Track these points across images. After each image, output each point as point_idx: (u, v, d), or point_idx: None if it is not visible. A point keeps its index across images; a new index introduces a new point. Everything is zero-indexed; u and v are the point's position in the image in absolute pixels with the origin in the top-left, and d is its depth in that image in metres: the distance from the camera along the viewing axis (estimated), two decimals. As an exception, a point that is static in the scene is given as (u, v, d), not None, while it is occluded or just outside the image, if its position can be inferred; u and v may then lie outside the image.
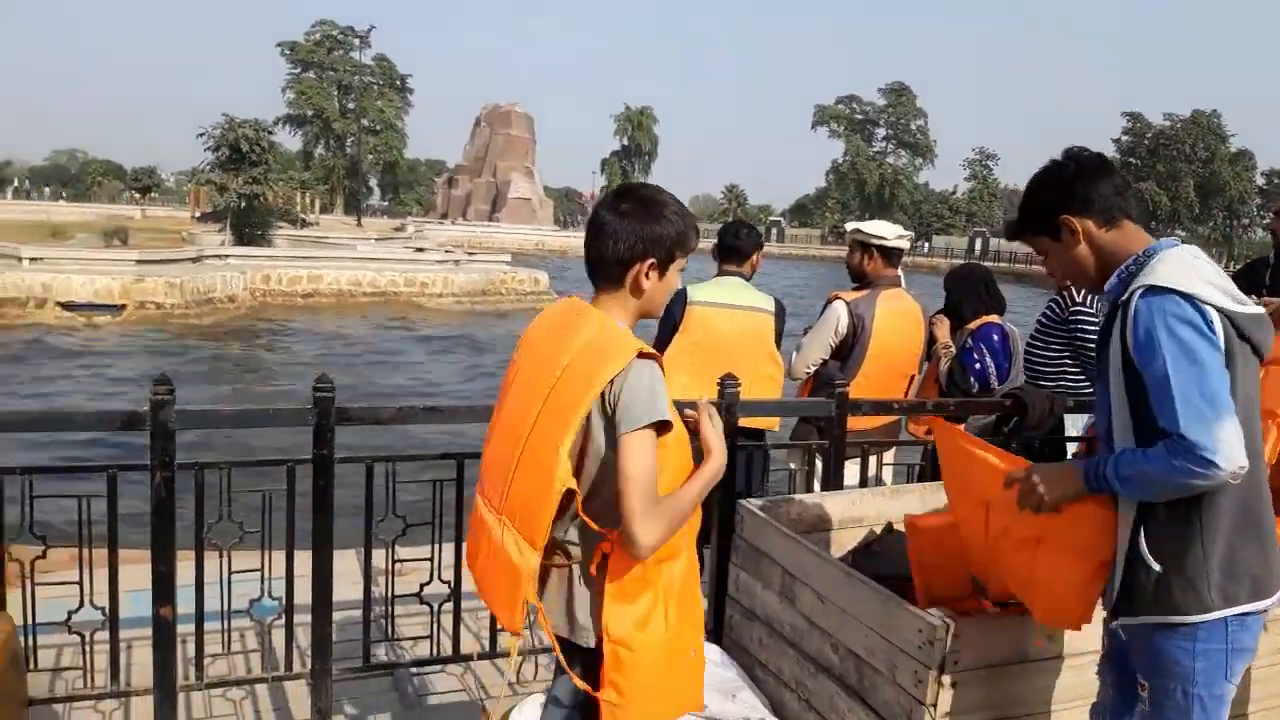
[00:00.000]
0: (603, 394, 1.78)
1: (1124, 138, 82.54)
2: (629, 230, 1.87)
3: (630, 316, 1.94)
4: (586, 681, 1.90)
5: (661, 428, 1.80)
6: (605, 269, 1.91)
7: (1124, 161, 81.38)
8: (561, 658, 1.94)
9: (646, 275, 1.89)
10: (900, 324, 4.30)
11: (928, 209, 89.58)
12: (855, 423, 3.67)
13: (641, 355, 1.81)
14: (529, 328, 2.00)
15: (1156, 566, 1.89)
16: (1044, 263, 2.15)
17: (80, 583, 2.87)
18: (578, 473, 1.82)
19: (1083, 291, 4.88)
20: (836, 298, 4.31)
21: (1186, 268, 1.89)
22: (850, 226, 4.50)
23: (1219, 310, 1.85)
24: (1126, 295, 1.90)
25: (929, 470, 3.97)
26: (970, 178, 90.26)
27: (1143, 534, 1.91)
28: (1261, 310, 1.94)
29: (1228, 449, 1.76)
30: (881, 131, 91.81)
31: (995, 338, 4.24)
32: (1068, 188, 2.02)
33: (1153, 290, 1.86)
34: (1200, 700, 1.93)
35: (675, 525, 1.82)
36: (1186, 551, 1.88)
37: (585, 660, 1.93)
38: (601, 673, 1.87)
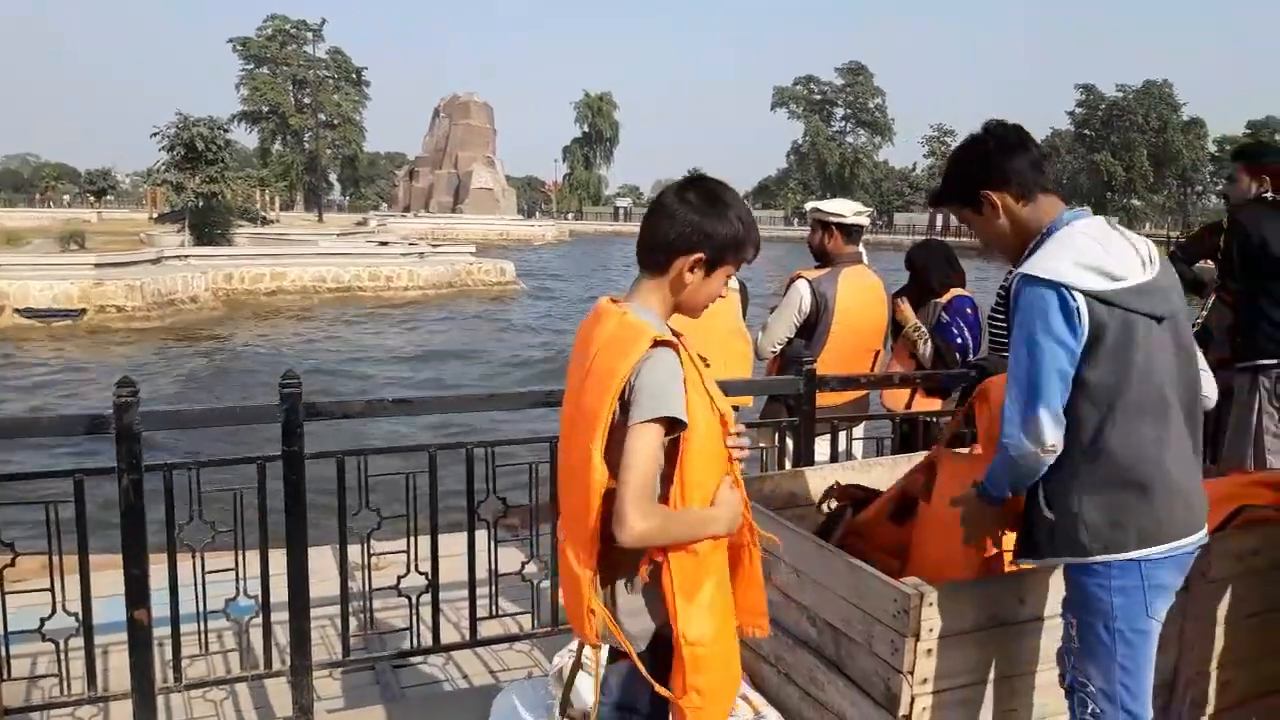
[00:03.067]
0: (622, 388, 1.72)
1: (1078, 109, 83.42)
2: (686, 219, 1.80)
3: (665, 309, 1.87)
4: (649, 683, 1.83)
5: (672, 425, 1.73)
6: (654, 253, 1.84)
7: (1078, 133, 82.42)
8: (640, 665, 1.83)
9: (691, 270, 1.82)
10: (863, 299, 4.35)
11: (888, 187, 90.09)
12: (824, 399, 3.71)
13: (658, 343, 1.74)
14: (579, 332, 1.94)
15: (1049, 514, 2.07)
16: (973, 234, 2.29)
17: (52, 589, 2.84)
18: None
19: None
20: (799, 276, 4.34)
21: (1065, 249, 2.01)
22: (810, 206, 4.53)
23: (1087, 294, 1.96)
24: (1010, 279, 2.07)
25: (898, 442, 4.04)
26: (929, 154, 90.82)
27: (1041, 487, 2.08)
28: (1148, 278, 2.02)
29: (1031, 433, 1.98)
30: (840, 111, 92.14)
31: (969, 310, 4.35)
32: (986, 162, 2.13)
33: (1023, 279, 2.02)
34: (1122, 635, 2.06)
35: (670, 536, 1.75)
36: (1069, 502, 2.05)
37: (629, 664, 1.86)
38: (679, 677, 1.80)
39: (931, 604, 2.20)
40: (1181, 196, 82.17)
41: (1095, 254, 2.00)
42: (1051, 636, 2.38)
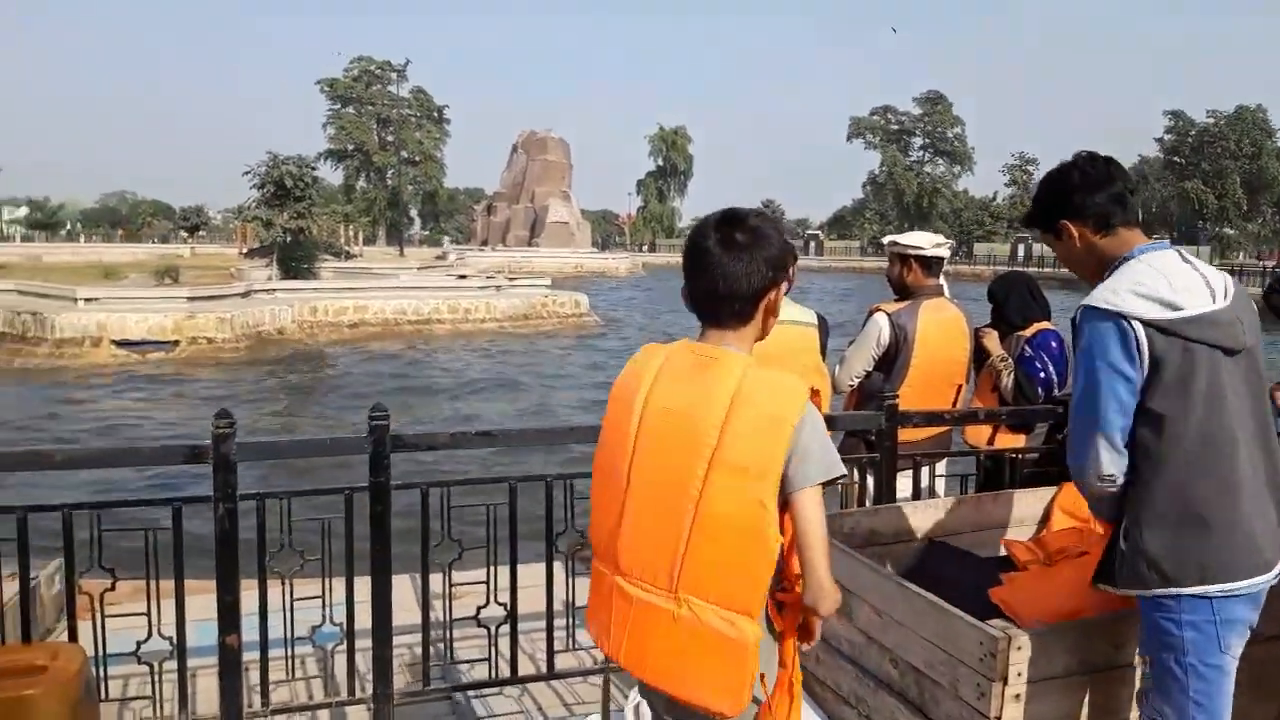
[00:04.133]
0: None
1: (1167, 136, 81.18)
2: (757, 261, 1.77)
3: (750, 348, 1.84)
4: None
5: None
6: (736, 306, 1.79)
7: (1168, 160, 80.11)
8: None
9: (776, 297, 1.84)
10: (945, 333, 4.28)
11: (968, 216, 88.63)
12: (905, 434, 3.66)
13: (810, 395, 1.73)
14: (627, 382, 1.85)
15: (1122, 545, 2.08)
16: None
17: (149, 614, 2.94)
18: None
19: None
20: (877, 310, 4.30)
21: (1125, 279, 2.06)
22: (887, 240, 4.49)
23: (1146, 323, 1.99)
24: (1076, 311, 2.12)
25: (982, 480, 3.95)
26: (1010, 183, 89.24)
27: (1124, 522, 2.10)
28: (1214, 309, 2.01)
29: (1091, 461, 2.04)
30: (918, 140, 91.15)
31: (1054, 344, 4.27)
32: (1068, 195, 2.21)
33: (1083, 310, 2.08)
34: (1195, 670, 2.03)
35: None
36: (1134, 533, 2.06)
37: None
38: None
39: (1020, 648, 2.14)
40: (1277, 224, 79.14)
41: (1155, 284, 2.03)
42: (1145, 683, 2.30)
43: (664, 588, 1.74)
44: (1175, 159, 79.15)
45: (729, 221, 1.81)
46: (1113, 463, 2.03)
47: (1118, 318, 2.00)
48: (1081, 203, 2.18)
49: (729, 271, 1.77)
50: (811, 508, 1.71)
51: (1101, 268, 2.18)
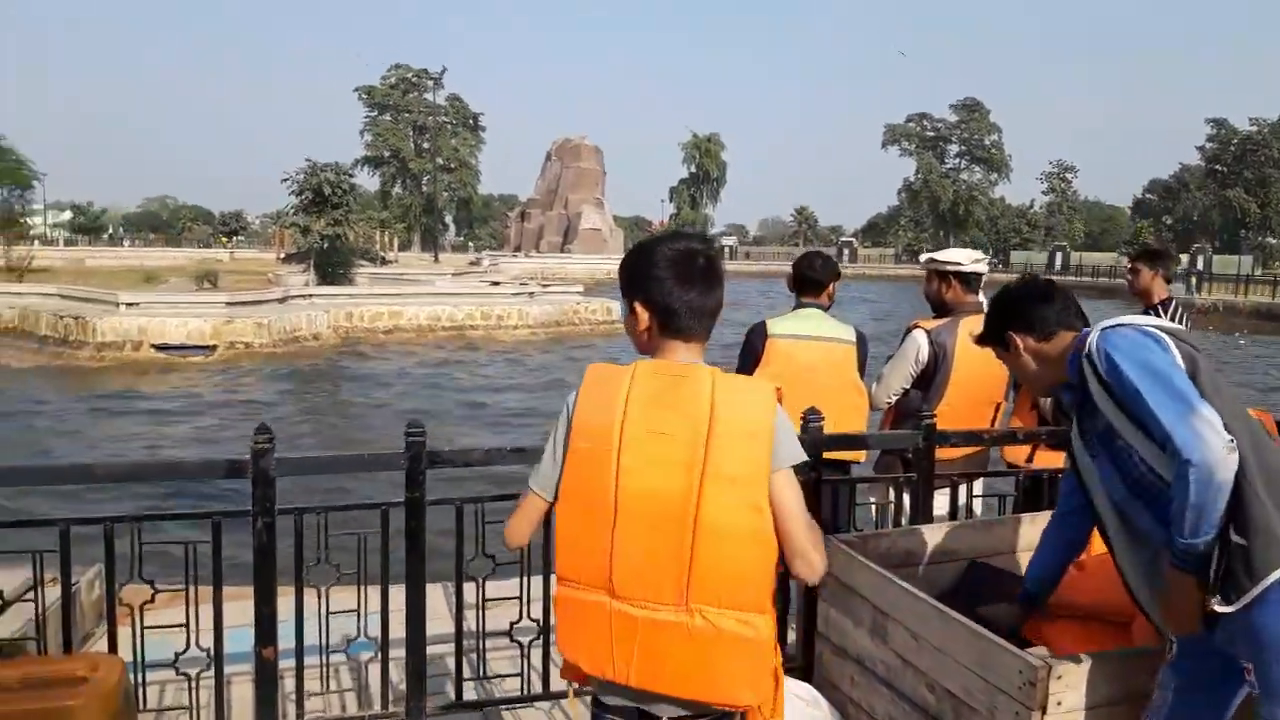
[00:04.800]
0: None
1: (1208, 144, 79.97)
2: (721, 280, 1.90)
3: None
4: None
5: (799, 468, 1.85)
6: (713, 319, 1.89)
7: (1209, 169, 78.90)
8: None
9: None
10: (984, 350, 4.22)
11: (1005, 224, 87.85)
12: (943, 453, 3.62)
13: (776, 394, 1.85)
14: (592, 411, 1.83)
15: (1241, 540, 1.97)
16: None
17: (187, 625, 2.98)
18: None
19: (1166, 315, 4.89)
20: (916, 326, 4.26)
21: (1121, 319, 2.21)
22: (924, 257, 4.45)
23: (1166, 331, 2.12)
24: (1084, 349, 2.19)
25: (1021, 500, 3.90)
26: (1048, 191, 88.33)
27: (1231, 522, 1.99)
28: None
29: (1209, 433, 1.91)
30: (954, 148, 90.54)
31: None
32: (1011, 308, 2.46)
33: (1104, 329, 2.18)
34: None
35: None
36: (1258, 516, 1.95)
37: None
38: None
39: (1060, 677, 2.12)
40: (1323, 235, 77.56)
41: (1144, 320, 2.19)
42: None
43: (672, 603, 1.78)
44: (1217, 167, 77.99)
45: (704, 241, 1.93)
46: (1223, 428, 1.92)
47: (1140, 327, 2.13)
48: (1026, 314, 2.40)
49: (720, 286, 1.88)
50: (787, 487, 1.81)
51: (1050, 371, 2.39)
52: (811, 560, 1.83)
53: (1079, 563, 2.68)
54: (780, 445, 1.80)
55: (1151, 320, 2.18)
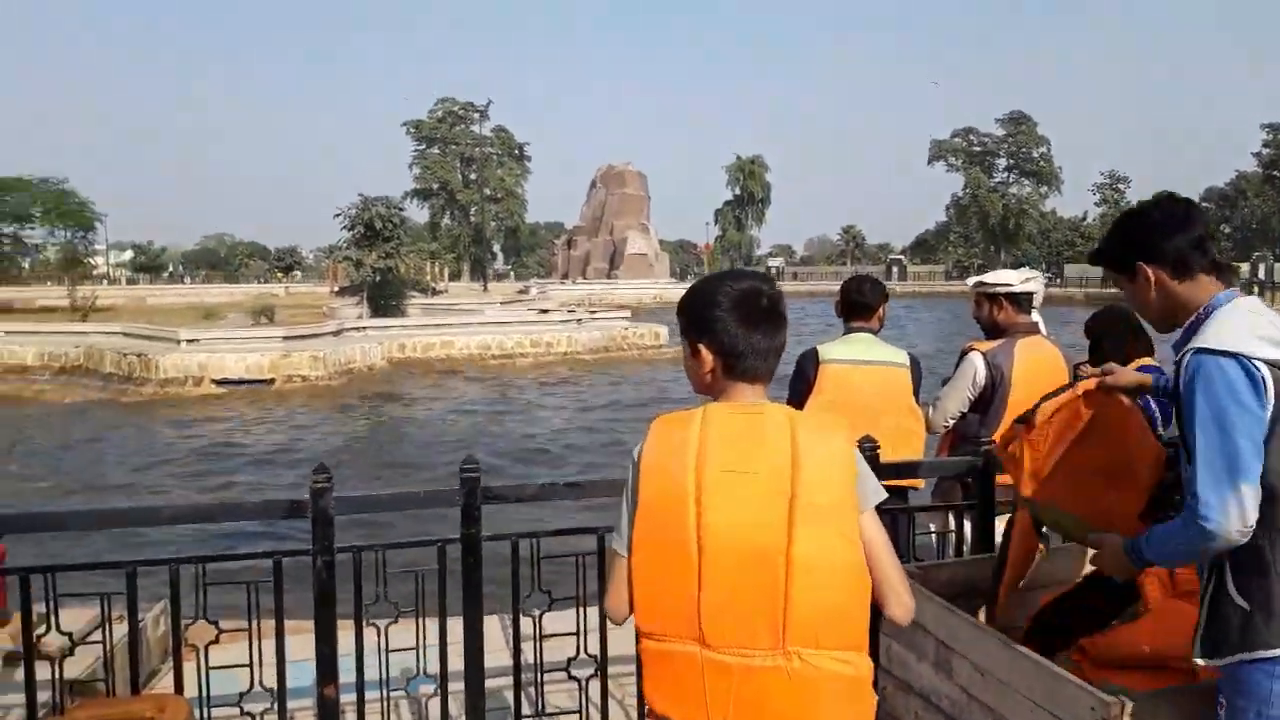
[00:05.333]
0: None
1: (1265, 150, 78.07)
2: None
3: None
4: None
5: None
6: (778, 358, 1.87)
7: (1266, 175, 77.00)
8: None
9: None
10: (1042, 370, 4.15)
11: (1057, 237, 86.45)
12: (1003, 478, 3.54)
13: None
14: (662, 453, 1.78)
15: (1244, 604, 1.96)
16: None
17: (251, 666, 3.02)
18: None
19: None
20: (972, 348, 4.20)
21: (1238, 324, 1.99)
22: (972, 281, 4.38)
23: (1269, 363, 1.93)
24: (1180, 355, 2.03)
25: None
26: (1100, 202, 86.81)
27: (1229, 575, 1.99)
28: None
29: (1234, 511, 1.88)
30: (1002, 162, 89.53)
31: (1164, 380, 4.07)
32: (1146, 236, 2.15)
33: (1200, 352, 1.98)
34: None
35: None
36: (1270, 587, 1.95)
37: None
38: None
39: (1135, 715, 2.05)
40: (1391, 238, 75.17)
41: (1267, 326, 1.98)
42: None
43: (768, 647, 1.71)
44: (1275, 173, 76.03)
45: (766, 280, 1.89)
46: (1255, 510, 1.90)
47: (1239, 357, 1.93)
48: (1161, 245, 2.13)
49: (783, 329, 1.87)
50: (874, 528, 1.79)
51: (1173, 313, 2.15)
52: (905, 599, 1.80)
53: (1147, 606, 2.61)
54: (863, 484, 1.78)
55: (1265, 344, 1.95)
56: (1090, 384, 2.58)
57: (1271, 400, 1.91)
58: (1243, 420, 1.90)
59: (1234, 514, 1.89)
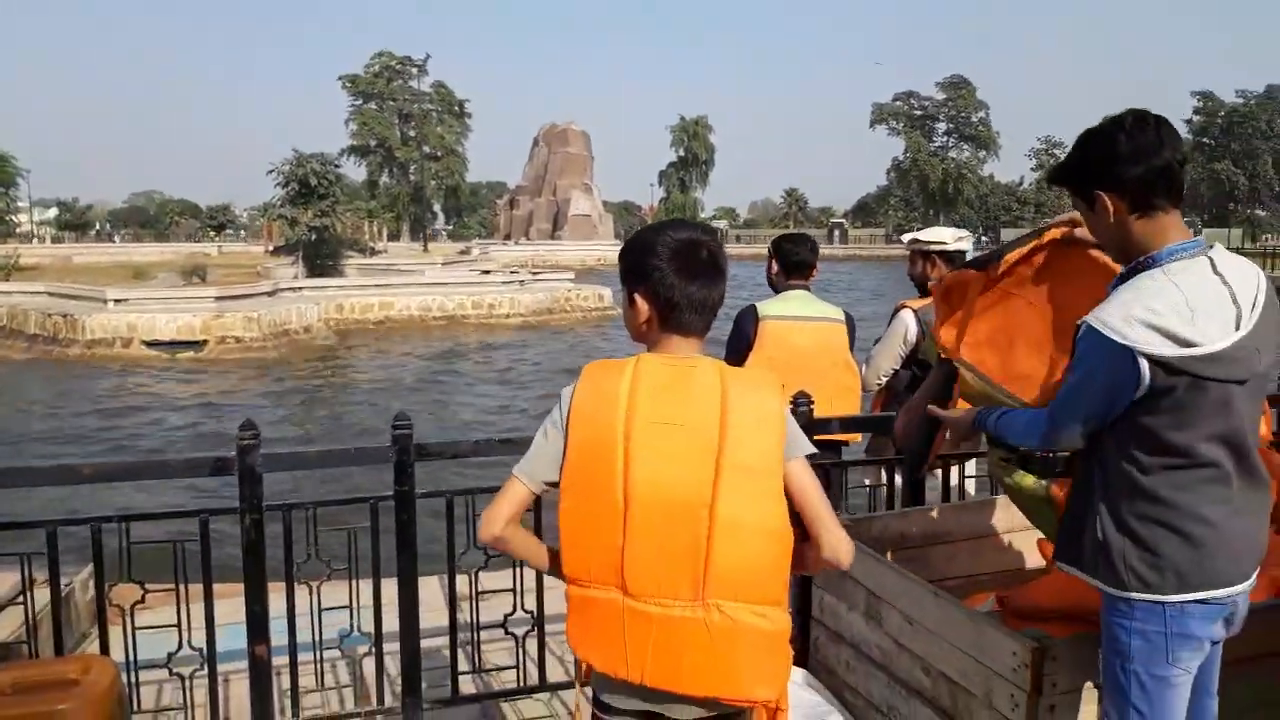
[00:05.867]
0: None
1: (1196, 117, 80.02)
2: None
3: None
4: None
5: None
6: (714, 313, 1.84)
7: (1197, 142, 78.97)
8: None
9: None
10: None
11: (994, 202, 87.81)
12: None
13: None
14: (592, 402, 1.76)
15: (1100, 535, 2.00)
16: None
17: (179, 625, 2.96)
18: None
19: None
20: (904, 306, 4.25)
21: (1142, 301, 1.89)
22: (907, 237, 4.42)
23: (1151, 358, 1.86)
24: (1104, 306, 1.95)
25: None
26: (1037, 168, 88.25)
27: (1102, 505, 2.01)
28: (1231, 342, 1.87)
29: (1067, 439, 2.03)
30: (942, 126, 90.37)
31: None
32: (1110, 163, 1.95)
33: (1087, 328, 1.93)
34: (1137, 678, 1.98)
35: None
36: (1118, 534, 1.98)
37: None
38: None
39: (1055, 658, 2.11)
40: (1312, 205, 77.88)
41: (1171, 312, 1.86)
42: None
43: (688, 598, 1.72)
44: (1204, 140, 78.15)
45: (708, 231, 1.85)
46: (1069, 445, 2.06)
47: (1123, 350, 1.86)
48: (1122, 174, 1.93)
49: (723, 282, 1.83)
50: (805, 474, 1.78)
51: (1128, 250, 2.00)
52: (841, 541, 1.78)
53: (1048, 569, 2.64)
54: (794, 437, 1.78)
55: (1156, 336, 1.86)
56: (1056, 233, 2.40)
57: (1145, 389, 1.87)
58: (1099, 397, 1.94)
59: (1066, 440, 2.04)
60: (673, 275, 1.78)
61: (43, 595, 3.19)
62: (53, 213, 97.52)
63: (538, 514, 3.19)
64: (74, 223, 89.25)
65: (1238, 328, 1.89)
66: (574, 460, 1.77)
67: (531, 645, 3.41)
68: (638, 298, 1.82)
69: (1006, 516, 3.13)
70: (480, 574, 3.31)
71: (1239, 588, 2.00)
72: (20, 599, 3.04)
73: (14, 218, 63.64)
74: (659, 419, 1.72)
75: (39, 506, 6.41)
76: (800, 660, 2.95)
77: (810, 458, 1.82)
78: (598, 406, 1.76)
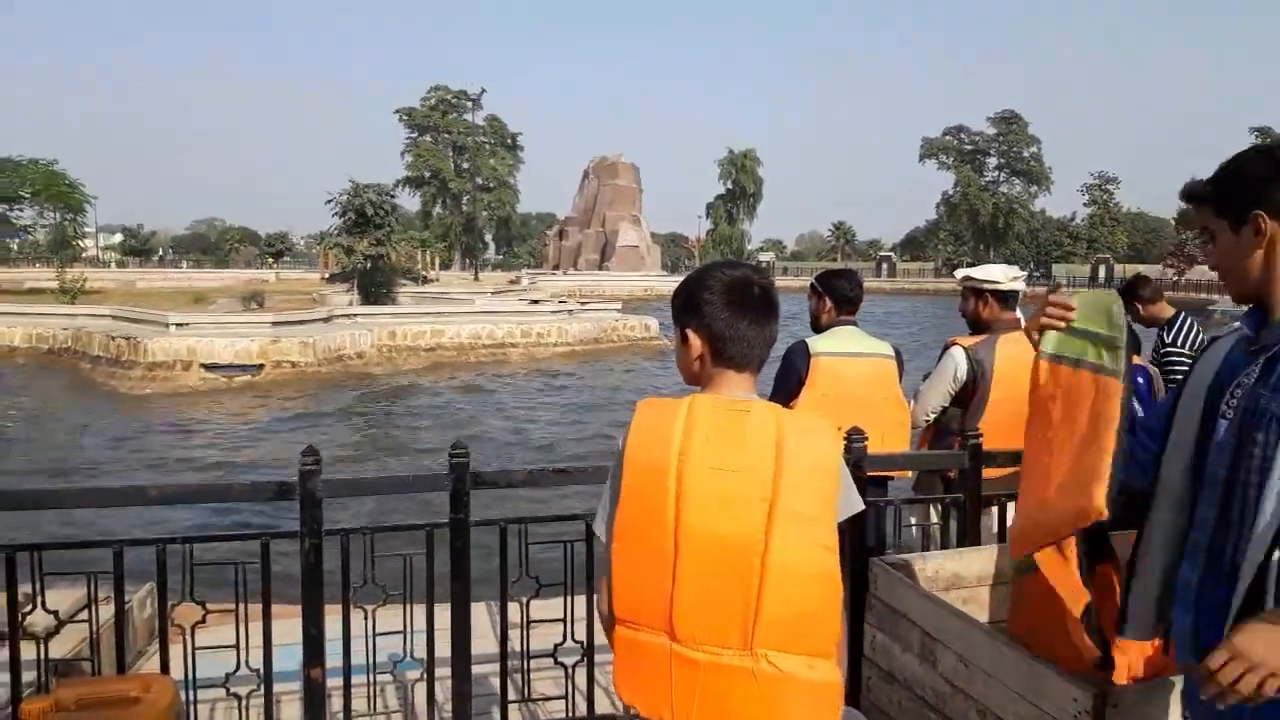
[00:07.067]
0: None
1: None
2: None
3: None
4: None
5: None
6: (767, 350, 1.84)
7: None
8: None
9: None
10: (1022, 368, 4.14)
11: (1046, 237, 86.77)
12: (987, 472, 3.57)
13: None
14: (646, 443, 1.75)
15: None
16: (1204, 245, 1.88)
17: (237, 646, 3.02)
18: None
19: (1173, 332, 4.90)
20: (954, 343, 4.22)
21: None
22: (960, 274, 4.39)
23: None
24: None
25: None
26: (1090, 203, 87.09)
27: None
28: None
29: None
30: (993, 161, 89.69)
31: (1140, 381, 4.09)
32: (1272, 184, 1.72)
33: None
34: None
35: None
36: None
37: None
38: None
39: (1117, 705, 2.07)
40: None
41: None
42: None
43: (737, 647, 1.70)
44: (1266, 176, 76.44)
45: (759, 271, 1.86)
46: None
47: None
48: None
49: (776, 321, 1.84)
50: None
51: (1269, 285, 1.75)
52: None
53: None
54: (848, 493, 1.76)
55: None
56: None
57: None
58: None
59: None
60: (724, 310, 1.79)
61: (105, 612, 3.27)
62: (118, 238, 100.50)
63: (589, 547, 3.22)
64: (138, 248, 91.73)
65: None
66: (626, 502, 1.77)
67: (580, 676, 3.41)
68: (690, 333, 1.83)
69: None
70: (531, 603, 3.33)
71: None
72: (84, 616, 3.12)
73: (81, 243, 65.70)
74: (713, 465, 1.71)
75: (102, 525, 6.57)
76: (853, 700, 2.92)
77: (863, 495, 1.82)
78: (650, 450, 1.75)
